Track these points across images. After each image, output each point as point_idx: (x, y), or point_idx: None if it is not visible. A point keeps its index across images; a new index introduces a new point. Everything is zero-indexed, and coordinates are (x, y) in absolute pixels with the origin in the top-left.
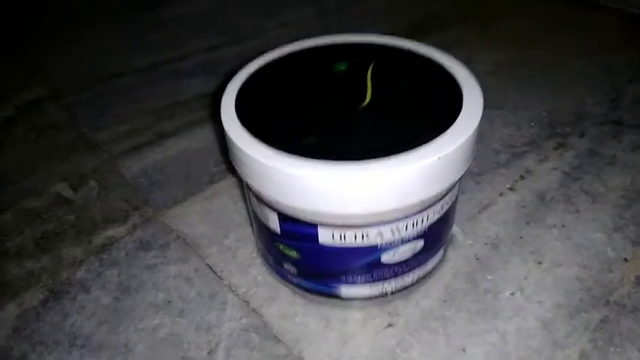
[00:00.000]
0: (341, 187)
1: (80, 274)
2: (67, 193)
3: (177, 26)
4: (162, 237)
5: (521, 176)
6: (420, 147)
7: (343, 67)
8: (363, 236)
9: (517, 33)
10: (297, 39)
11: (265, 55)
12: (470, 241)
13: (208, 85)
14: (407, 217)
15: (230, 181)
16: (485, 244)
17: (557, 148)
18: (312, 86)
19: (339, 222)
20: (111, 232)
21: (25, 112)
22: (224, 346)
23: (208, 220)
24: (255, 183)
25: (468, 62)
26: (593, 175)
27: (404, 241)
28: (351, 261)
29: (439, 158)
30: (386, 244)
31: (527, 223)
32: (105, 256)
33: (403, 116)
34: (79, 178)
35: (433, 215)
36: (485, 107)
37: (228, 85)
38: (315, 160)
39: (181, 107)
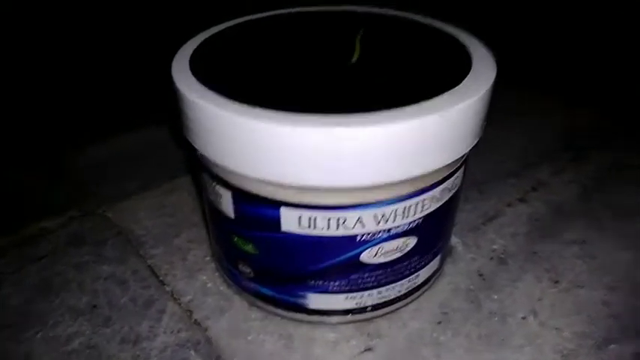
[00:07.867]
0: (313, 146)
1: None
2: None
3: None
4: (100, 232)
5: (533, 187)
6: (419, 103)
7: (327, 31)
8: (338, 223)
9: None
10: None
11: (237, 19)
12: (472, 255)
13: None
14: (397, 200)
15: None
16: (491, 258)
17: (574, 160)
18: (283, 49)
19: (307, 200)
20: (43, 224)
21: None
22: None
23: (159, 216)
24: (208, 148)
25: None
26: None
27: (391, 235)
28: (322, 258)
29: (441, 116)
30: (367, 236)
31: (542, 237)
32: (28, 250)
33: (397, 74)
34: None
35: (430, 204)
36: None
37: (190, 40)
38: (279, 111)
39: None
